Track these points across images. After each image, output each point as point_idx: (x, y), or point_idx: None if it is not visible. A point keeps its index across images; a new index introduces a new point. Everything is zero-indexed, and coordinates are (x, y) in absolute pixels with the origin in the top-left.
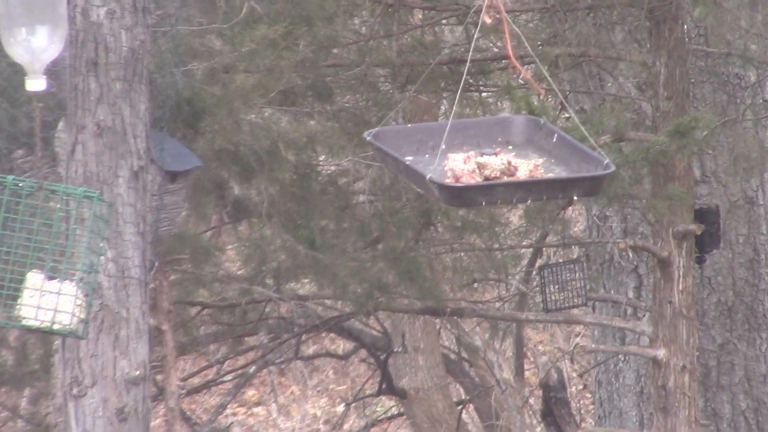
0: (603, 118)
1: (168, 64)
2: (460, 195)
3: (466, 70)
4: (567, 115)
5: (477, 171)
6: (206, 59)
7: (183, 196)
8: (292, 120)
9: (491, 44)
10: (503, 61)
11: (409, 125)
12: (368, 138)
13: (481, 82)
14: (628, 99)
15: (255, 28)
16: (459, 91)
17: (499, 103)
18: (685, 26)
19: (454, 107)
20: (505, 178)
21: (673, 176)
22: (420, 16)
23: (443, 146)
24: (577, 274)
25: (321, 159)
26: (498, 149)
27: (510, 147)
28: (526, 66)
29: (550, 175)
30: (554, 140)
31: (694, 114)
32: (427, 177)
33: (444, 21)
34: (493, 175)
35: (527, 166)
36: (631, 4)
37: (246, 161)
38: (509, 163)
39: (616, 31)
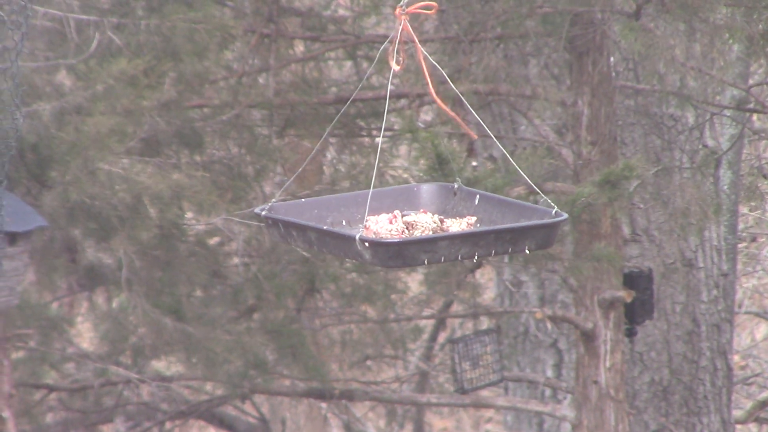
0: (516, 167)
1: (8, 106)
2: (399, 253)
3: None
4: (475, 163)
5: (406, 232)
6: (54, 99)
7: (25, 261)
8: (155, 171)
9: (386, 81)
10: (400, 100)
11: (303, 200)
12: (262, 213)
13: (374, 125)
14: (545, 144)
15: (112, 63)
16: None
17: (395, 150)
18: (612, 59)
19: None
20: (453, 232)
21: (598, 234)
22: (302, 49)
23: (339, 220)
24: (489, 347)
25: (188, 217)
26: (422, 209)
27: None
28: (426, 106)
29: (500, 225)
30: (476, 202)
31: (625, 161)
32: (357, 236)
33: (330, 54)
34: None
35: (459, 226)
36: (548, 33)
37: (103, 218)
38: (441, 221)
39: (531, 65)
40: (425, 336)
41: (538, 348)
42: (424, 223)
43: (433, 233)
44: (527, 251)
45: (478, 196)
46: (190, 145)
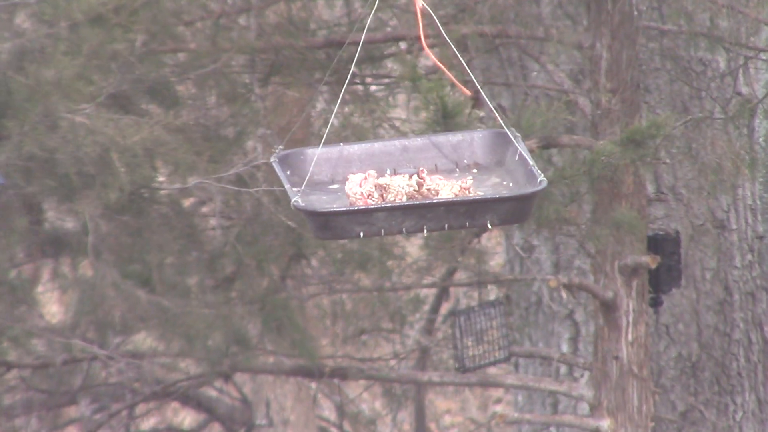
0: (527, 118)
1: None
2: (327, 224)
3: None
4: (482, 113)
5: (374, 194)
6: (12, 39)
7: None
8: (126, 124)
9: (383, 22)
10: (399, 43)
11: (341, 144)
12: (272, 160)
13: (368, 72)
14: (560, 92)
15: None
16: (345, 84)
17: (392, 99)
18: None
19: (337, 104)
20: (392, 202)
21: (619, 194)
22: None
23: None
24: (495, 321)
25: (161, 179)
26: (420, 169)
27: (475, 171)
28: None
29: (449, 197)
30: (516, 158)
31: (652, 118)
32: (292, 201)
33: None
34: (397, 200)
35: (451, 189)
36: None
37: (65, 175)
38: (420, 185)
39: (543, 3)
40: (426, 307)
41: (552, 320)
42: (397, 186)
43: (408, 200)
44: (489, 226)
45: (518, 152)
46: (165, 100)
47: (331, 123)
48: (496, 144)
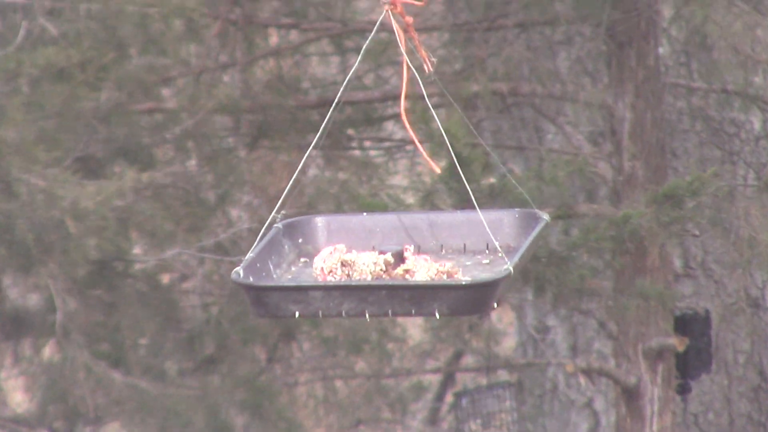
0: (541, 184)
1: None
2: (259, 299)
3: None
4: (492, 179)
5: (337, 271)
6: None
7: None
8: (94, 189)
9: (383, 80)
10: (397, 101)
11: (365, 214)
12: (279, 224)
13: (365, 135)
14: (578, 157)
15: (38, 52)
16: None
17: (391, 165)
18: (660, 50)
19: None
20: (326, 282)
21: (643, 268)
22: (277, 40)
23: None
24: (506, 404)
25: (136, 250)
26: (404, 247)
27: (500, 254)
28: (438, 109)
29: (387, 280)
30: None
31: (696, 173)
32: (233, 272)
33: (312, 48)
34: (360, 281)
35: (427, 272)
36: (582, 17)
37: (23, 243)
38: (388, 264)
39: (560, 58)
40: (430, 395)
41: (569, 408)
42: (362, 265)
43: (372, 279)
44: (437, 316)
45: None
46: (139, 161)
47: (326, 191)
48: (527, 225)
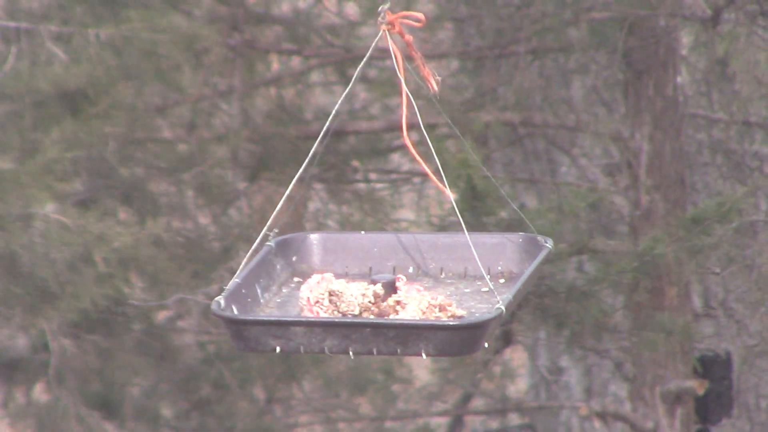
0: (561, 217)
1: None
2: (239, 333)
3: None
4: (503, 213)
5: (323, 302)
6: None
7: None
8: (101, 223)
9: (390, 110)
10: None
11: (363, 233)
12: (271, 242)
13: (370, 166)
14: (593, 190)
15: (45, 69)
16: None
17: (397, 197)
18: (679, 79)
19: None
20: (319, 318)
21: (661, 307)
22: (276, 66)
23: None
24: None
25: (135, 293)
26: (397, 276)
27: (502, 281)
28: (450, 139)
29: (370, 319)
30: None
31: (729, 196)
32: (213, 302)
33: (314, 78)
34: (349, 312)
35: (418, 304)
36: (597, 44)
37: (37, 281)
38: (377, 296)
39: (575, 87)
40: None
41: None
42: (350, 296)
43: (360, 311)
44: (424, 356)
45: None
46: (141, 205)
47: (328, 225)
48: (529, 251)
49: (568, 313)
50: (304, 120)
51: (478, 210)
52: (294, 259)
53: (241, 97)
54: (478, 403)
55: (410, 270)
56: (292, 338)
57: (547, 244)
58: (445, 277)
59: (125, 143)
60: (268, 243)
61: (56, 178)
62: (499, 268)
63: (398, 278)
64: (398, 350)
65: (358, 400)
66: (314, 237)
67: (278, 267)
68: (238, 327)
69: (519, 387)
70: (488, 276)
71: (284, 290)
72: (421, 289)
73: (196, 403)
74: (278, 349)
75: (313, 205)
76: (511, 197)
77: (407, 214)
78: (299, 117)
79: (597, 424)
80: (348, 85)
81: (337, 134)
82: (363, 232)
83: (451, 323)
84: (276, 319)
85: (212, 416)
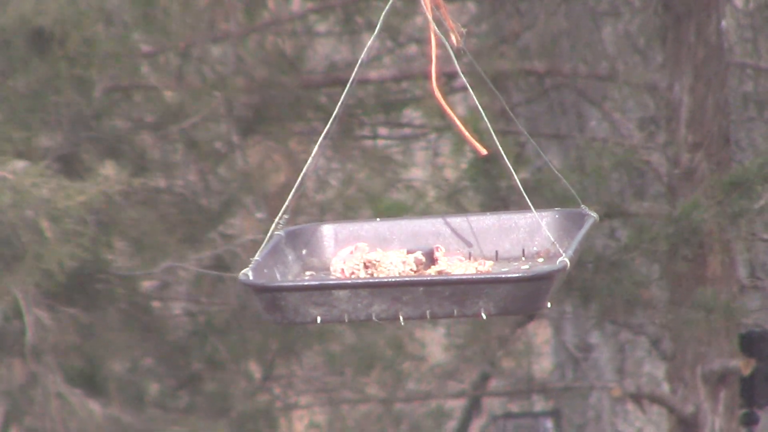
0: (584, 178)
1: None
2: (275, 303)
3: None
4: (524, 174)
5: (359, 273)
6: None
7: None
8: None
9: (398, 57)
10: (420, 85)
11: (382, 220)
12: (280, 232)
13: (379, 121)
14: (627, 147)
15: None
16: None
17: (408, 155)
18: (723, 24)
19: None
20: (357, 279)
21: (703, 278)
22: (274, 9)
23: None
24: None
25: (116, 260)
26: (436, 246)
27: (540, 260)
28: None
29: (425, 276)
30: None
31: (766, 156)
32: (240, 273)
33: (315, 17)
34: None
35: (464, 271)
36: None
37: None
38: (419, 263)
39: (606, 32)
40: (452, 423)
41: None
42: (389, 264)
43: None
44: (483, 316)
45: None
46: (130, 163)
47: (333, 185)
48: (570, 227)
49: (595, 286)
50: (306, 67)
51: (491, 173)
52: (304, 252)
53: (236, 42)
54: (497, 383)
55: (443, 249)
56: (335, 305)
57: (593, 215)
58: (476, 263)
59: (106, 92)
60: (277, 232)
61: (21, 128)
62: (535, 248)
63: (437, 248)
64: (455, 311)
65: (364, 380)
66: (326, 228)
67: (290, 258)
68: (274, 296)
69: (543, 366)
70: (523, 258)
71: (305, 275)
72: (463, 259)
73: (185, 381)
74: (319, 319)
75: (314, 162)
76: (533, 155)
77: (419, 174)
78: (300, 64)
79: (630, 407)
80: (351, 33)
81: (343, 84)
82: (378, 220)
83: (516, 275)
84: (319, 283)
85: (203, 395)
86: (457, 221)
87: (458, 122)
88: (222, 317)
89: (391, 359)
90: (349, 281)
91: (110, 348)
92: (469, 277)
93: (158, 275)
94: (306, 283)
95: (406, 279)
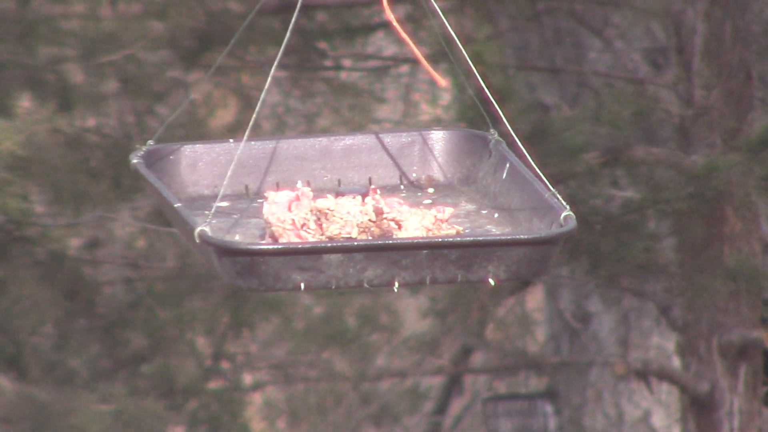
0: (584, 120)
1: None
2: (252, 268)
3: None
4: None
5: (310, 225)
6: None
7: None
8: None
9: None
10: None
11: (231, 141)
12: (134, 160)
13: (343, 51)
14: (633, 82)
15: None
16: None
17: (377, 86)
18: None
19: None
20: (346, 240)
21: (719, 235)
22: None
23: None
24: (548, 421)
25: (37, 210)
26: (372, 188)
27: (431, 190)
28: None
29: (432, 238)
30: (504, 175)
31: None
32: (197, 230)
33: None
34: (343, 236)
35: (421, 220)
36: None
37: None
38: (379, 212)
39: None
40: (429, 404)
41: (620, 424)
42: (345, 214)
43: (358, 234)
44: (491, 282)
45: (507, 165)
46: (51, 95)
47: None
48: (466, 151)
49: (603, 250)
50: None
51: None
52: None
53: None
54: (480, 358)
55: (298, 185)
56: (323, 270)
57: (494, 136)
58: (432, 210)
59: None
60: (135, 160)
61: None
62: (415, 174)
63: (373, 190)
64: (459, 276)
65: (328, 354)
66: (185, 148)
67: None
68: (252, 260)
69: (535, 338)
70: (401, 185)
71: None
72: (402, 202)
73: (122, 359)
74: (303, 285)
75: (270, 98)
76: (525, 90)
77: (391, 113)
78: None
79: (636, 386)
80: None
81: (301, 9)
82: (232, 141)
83: (537, 235)
84: (310, 246)
85: (142, 376)
86: (323, 142)
87: (415, 49)
88: (167, 285)
89: (358, 330)
90: (343, 244)
91: (29, 317)
92: (485, 238)
93: (85, 227)
94: (293, 247)
95: (410, 242)
